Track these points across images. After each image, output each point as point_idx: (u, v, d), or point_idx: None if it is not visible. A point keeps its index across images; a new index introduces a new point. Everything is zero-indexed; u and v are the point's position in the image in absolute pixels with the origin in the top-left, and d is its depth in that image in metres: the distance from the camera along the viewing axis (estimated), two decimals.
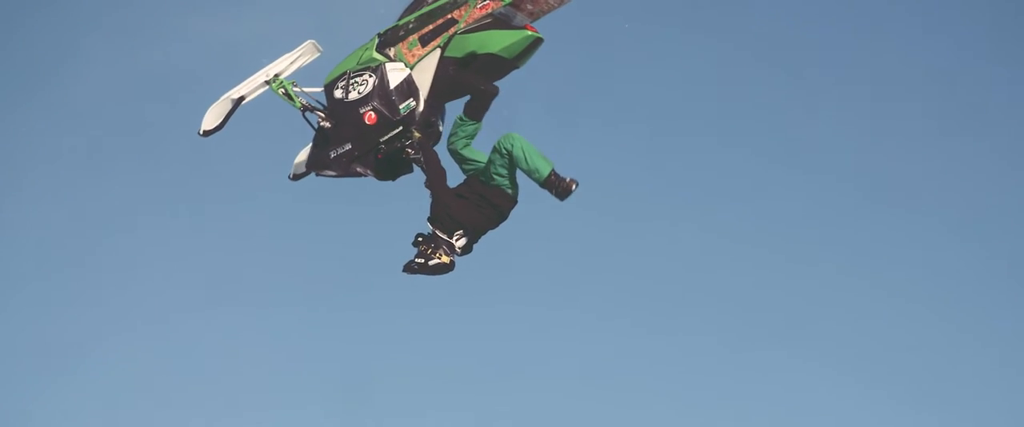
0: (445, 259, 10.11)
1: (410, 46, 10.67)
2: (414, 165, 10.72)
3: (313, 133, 10.94)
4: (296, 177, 11.24)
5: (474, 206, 10.23)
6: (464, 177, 10.57)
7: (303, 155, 11.23)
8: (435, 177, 10.28)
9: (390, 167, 10.78)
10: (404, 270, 10.23)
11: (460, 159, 10.56)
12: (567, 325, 19.56)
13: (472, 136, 10.45)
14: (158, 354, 19.36)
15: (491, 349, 19.62)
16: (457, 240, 10.15)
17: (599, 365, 19.38)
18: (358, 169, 10.74)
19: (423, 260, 10.12)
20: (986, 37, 20.29)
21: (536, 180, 10.14)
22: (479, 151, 10.49)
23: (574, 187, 10.07)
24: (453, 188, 10.37)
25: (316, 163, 10.89)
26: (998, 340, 19.20)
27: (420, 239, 10.20)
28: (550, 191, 10.11)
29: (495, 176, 10.27)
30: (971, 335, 19.25)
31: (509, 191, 10.29)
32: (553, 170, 10.10)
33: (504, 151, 10.21)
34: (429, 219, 10.29)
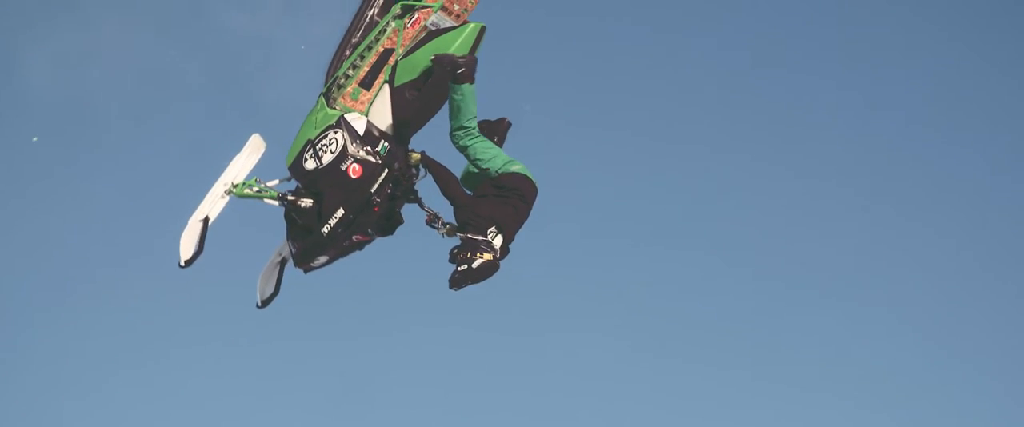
0: (488, 257, 9.32)
1: (354, 96, 10.11)
2: (402, 212, 10.05)
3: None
4: (266, 302, 10.47)
5: (497, 199, 9.55)
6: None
7: (265, 274, 10.49)
8: (449, 184, 9.63)
9: (387, 221, 10.03)
10: (451, 286, 9.38)
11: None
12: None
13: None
14: None
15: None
16: (493, 238, 9.40)
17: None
18: (355, 238, 9.95)
19: (466, 266, 9.31)
20: None
21: (464, 93, 9.70)
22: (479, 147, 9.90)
23: (447, 65, 9.73)
24: (470, 194, 9.74)
25: (306, 255, 10.08)
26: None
27: (455, 251, 9.41)
28: (462, 71, 9.68)
29: (489, 162, 9.71)
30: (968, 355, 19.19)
31: (514, 167, 9.67)
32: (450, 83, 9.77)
33: (460, 140, 9.77)
34: (458, 228, 9.54)
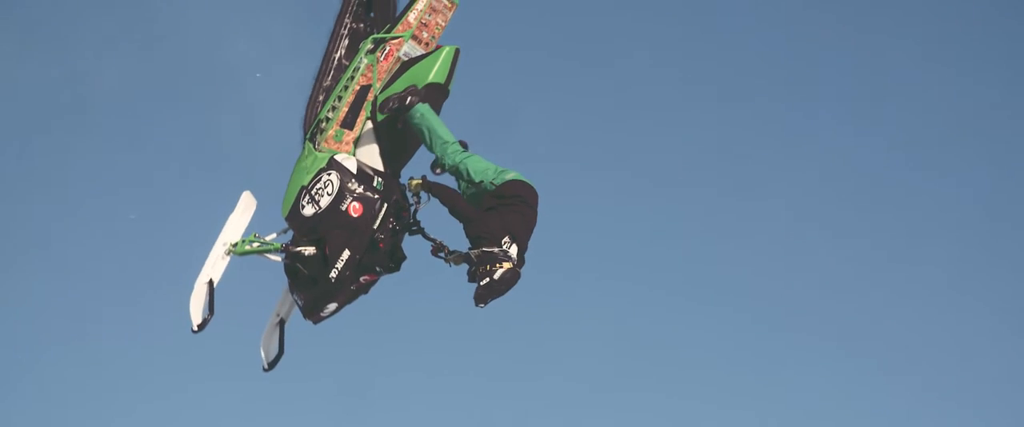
0: (508, 265, 9.17)
1: (337, 138, 10.04)
2: (403, 247, 9.91)
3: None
4: (272, 364, 10.27)
5: (504, 208, 9.40)
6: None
7: (267, 336, 10.32)
8: (455, 201, 9.46)
9: (391, 257, 9.93)
10: (477, 303, 9.21)
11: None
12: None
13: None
14: None
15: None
16: (508, 247, 9.27)
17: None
18: (362, 279, 9.83)
19: (488, 280, 9.14)
20: None
21: (423, 114, 9.79)
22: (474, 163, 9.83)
23: (393, 104, 9.89)
24: (463, 218, 9.52)
25: (314, 305, 9.89)
26: None
27: (473, 269, 9.27)
28: (410, 99, 9.84)
29: (482, 175, 9.60)
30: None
31: (509, 175, 9.55)
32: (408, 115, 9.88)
33: (449, 159, 9.70)
34: (471, 245, 9.36)
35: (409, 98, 9.86)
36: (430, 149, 9.83)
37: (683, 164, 19.87)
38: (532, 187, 9.60)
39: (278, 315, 10.38)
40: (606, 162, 19.52)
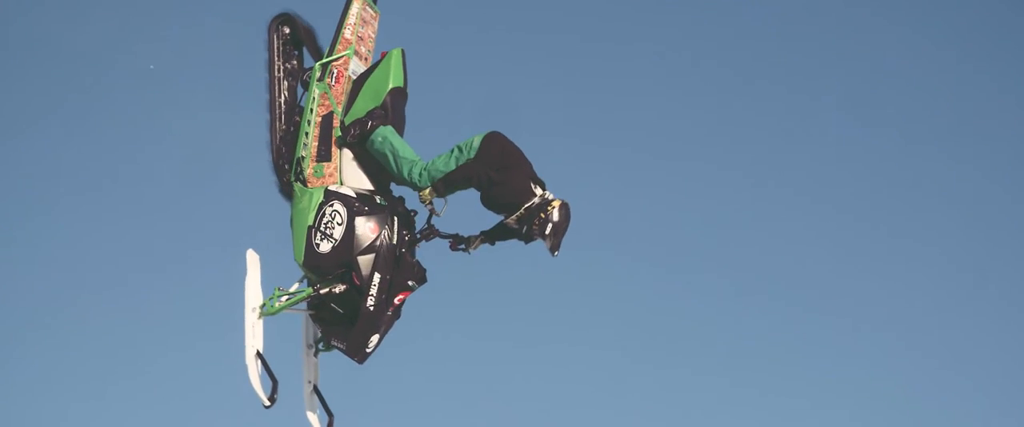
0: (557, 203, 9.23)
1: (318, 173, 9.95)
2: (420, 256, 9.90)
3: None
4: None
5: (507, 161, 9.38)
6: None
7: (309, 407, 10.18)
8: (474, 172, 9.39)
9: (418, 270, 9.88)
10: (553, 252, 9.23)
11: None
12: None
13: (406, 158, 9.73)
14: None
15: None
16: (537, 189, 9.31)
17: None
18: (397, 300, 9.75)
19: (550, 225, 9.17)
20: None
21: (385, 135, 9.75)
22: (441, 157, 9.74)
23: (355, 130, 9.84)
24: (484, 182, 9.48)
25: (358, 343, 9.71)
26: None
27: (525, 229, 9.30)
28: (372, 123, 9.81)
29: (450, 162, 9.55)
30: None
31: (475, 143, 9.46)
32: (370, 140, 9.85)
33: (417, 174, 9.61)
34: (505, 216, 9.37)
35: (371, 122, 9.81)
36: (396, 172, 9.72)
37: (681, 155, 20.13)
38: (495, 133, 9.53)
39: (310, 382, 10.25)
40: (607, 154, 19.64)
